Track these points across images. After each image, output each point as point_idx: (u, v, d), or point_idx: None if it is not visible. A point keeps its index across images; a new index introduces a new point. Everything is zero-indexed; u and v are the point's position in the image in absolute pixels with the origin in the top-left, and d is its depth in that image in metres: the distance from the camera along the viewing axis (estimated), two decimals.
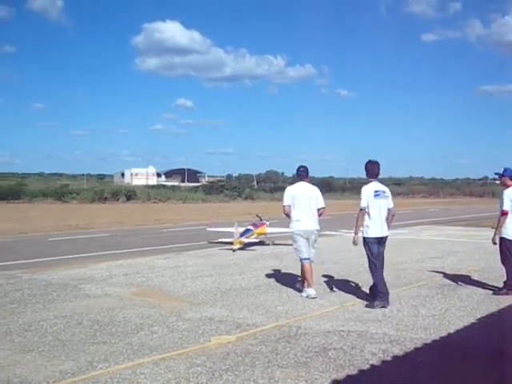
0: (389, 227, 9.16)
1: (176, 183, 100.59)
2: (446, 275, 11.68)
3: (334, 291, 9.91)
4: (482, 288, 10.23)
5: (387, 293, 8.90)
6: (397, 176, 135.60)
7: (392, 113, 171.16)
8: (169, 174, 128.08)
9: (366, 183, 9.29)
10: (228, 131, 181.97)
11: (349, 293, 9.82)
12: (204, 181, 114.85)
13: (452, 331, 7.32)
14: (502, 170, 10.06)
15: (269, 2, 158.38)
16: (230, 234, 17.36)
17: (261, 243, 18.01)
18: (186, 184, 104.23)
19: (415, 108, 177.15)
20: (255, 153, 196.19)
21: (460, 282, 10.80)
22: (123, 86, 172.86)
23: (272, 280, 11.14)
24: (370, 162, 9.31)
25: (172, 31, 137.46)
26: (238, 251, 15.90)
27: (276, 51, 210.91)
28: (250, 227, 18.25)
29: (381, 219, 8.97)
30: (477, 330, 7.44)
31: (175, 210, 42.19)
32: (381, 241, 9.03)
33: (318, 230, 9.75)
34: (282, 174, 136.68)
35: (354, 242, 9.10)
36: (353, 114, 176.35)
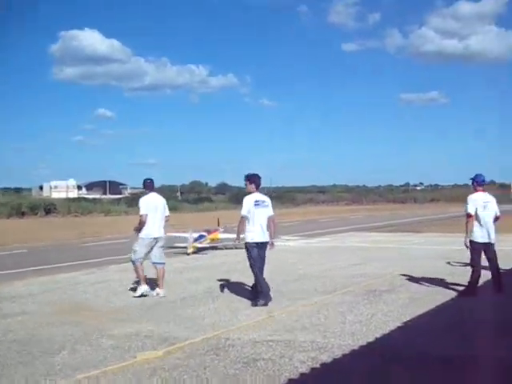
0: (273, 234, 10.10)
1: (97, 196, 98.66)
2: (371, 281, 11.81)
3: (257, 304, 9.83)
4: (407, 292, 10.38)
5: (268, 290, 9.69)
6: (321, 184, 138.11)
7: (315, 122, 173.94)
8: (90, 187, 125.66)
9: (260, 193, 10.10)
10: (150, 141, 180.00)
11: (276, 302, 9.75)
12: (127, 193, 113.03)
13: (379, 336, 7.36)
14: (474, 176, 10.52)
15: (190, 11, 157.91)
16: (186, 239, 18.70)
17: (213, 247, 19.31)
18: (108, 196, 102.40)
19: (338, 116, 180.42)
20: (178, 163, 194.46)
21: (385, 288, 10.93)
22: (40, 96, 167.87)
23: (199, 292, 10.98)
24: (253, 174, 10.14)
25: (90, 39, 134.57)
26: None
27: (198, 60, 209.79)
28: (204, 233, 19.67)
29: (261, 226, 9.72)
30: (403, 334, 7.52)
31: (97, 223, 41.30)
32: (261, 246, 9.80)
33: (163, 237, 10.80)
34: (207, 184, 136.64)
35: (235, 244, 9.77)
36: (276, 123, 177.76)
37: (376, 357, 6.55)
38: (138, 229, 10.53)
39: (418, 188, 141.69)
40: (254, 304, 9.45)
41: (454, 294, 10.23)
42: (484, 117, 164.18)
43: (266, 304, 9.42)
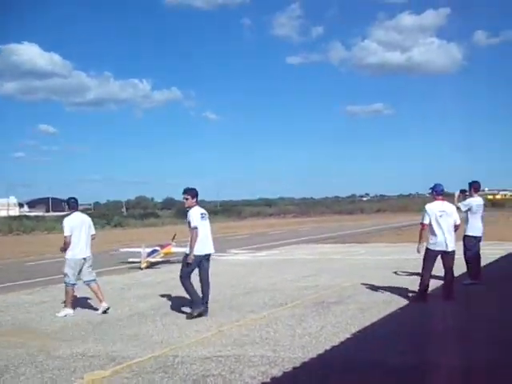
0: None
1: (40, 213, 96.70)
2: (320, 293, 11.83)
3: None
4: (356, 303, 10.42)
5: (200, 302, 9.89)
6: (267, 197, 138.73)
7: (261, 135, 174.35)
8: (32, 204, 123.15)
9: (196, 206, 10.07)
10: (94, 157, 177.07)
11: (225, 317, 9.68)
12: None
13: (328, 348, 7.35)
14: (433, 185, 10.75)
15: (131, 24, 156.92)
16: (139, 254, 19.02)
17: (167, 261, 19.46)
18: (52, 213, 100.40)
19: (284, 129, 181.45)
20: (123, 179, 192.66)
21: (334, 299, 10.96)
22: None
23: (146, 309, 10.79)
24: (192, 189, 10.24)
25: (30, 54, 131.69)
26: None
27: (141, 75, 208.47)
28: (157, 247, 19.87)
29: (207, 237, 9.97)
30: (352, 345, 7.53)
31: (40, 241, 40.38)
32: (207, 257, 10.08)
33: (91, 256, 10.91)
34: (152, 199, 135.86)
35: (190, 259, 9.72)
36: (222, 137, 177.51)
37: (327, 369, 6.54)
38: (64, 249, 10.52)
39: (365, 199, 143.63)
40: (190, 316, 9.69)
41: (402, 303, 10.31)
42: (428, 127, 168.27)
43: (201, 314, 9.69)
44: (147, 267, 18.46)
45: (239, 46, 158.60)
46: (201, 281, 10.04)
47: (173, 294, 12.22)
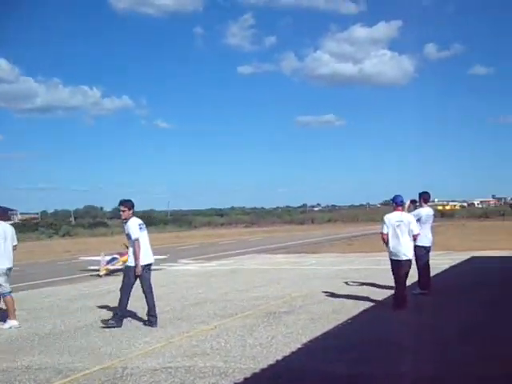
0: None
1: None
2: (270, 303, 11.82)
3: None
4: (306, 313, 10.45)
5: (125, 316, 9.98)
6: (219, 207, 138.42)
7: (212, 144, 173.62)
8: None
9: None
10: (42, 165, 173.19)
11: (175, 328, 9.59)
12: (17, 218, 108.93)
13: (280, 358, 7.33)
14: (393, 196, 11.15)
15: (82, 30, 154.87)
16: (99, 262, 19.80)
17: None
18: None
19: (235, 138, 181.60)
20: (72, 187, 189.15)
21: (285, 309, 10.97)
22: None
23: (94, 320, 10.60)
24: (128, 200, 10.26)
25: None
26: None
27: (91, 82, 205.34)
28: (116, 255, 20.21)
29: (147, 248, 10.03)
30: (303, 355, 7.53)
31: None
32: (149, 267, 10.09)
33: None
34: (102, 208, 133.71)
35: (138, 271, 9.71)
36: (173, 146, 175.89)
37: (278, 379, 6.52)
38: None
39: (316, 209, 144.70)
40: (107, 325, 9.77)
41: (353, 312, 10.35)
42: (379, 138, 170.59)
43: (118, 326, 9.68)
44: (106, 274, 18.93)
45: (191, 55, 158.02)
46: (144, 292, 9.95)
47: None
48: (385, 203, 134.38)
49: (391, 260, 10.92)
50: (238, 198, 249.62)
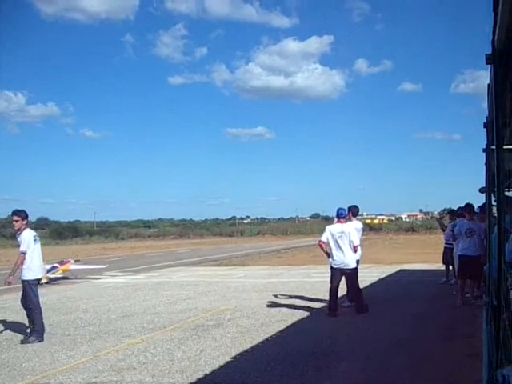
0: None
1: None
2: (199, 316, 11.72)
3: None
4: (235, 326, 10.39)
5: (44, 330, 9.67)
6: (147, 218, 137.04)
7: (139, 155, 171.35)
8: None
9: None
10: None
11: (102, 341, 9.36)
12: None
13: (208, 372, 7.27)
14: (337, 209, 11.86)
15: (7, 35, 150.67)
16: None
17: (64, 278, 20.97)
18: None
19: (164, 149, 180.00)
20: None
21: (213, 322, 10.89)
22: None
23: (14, 335, 10.23)
24: (23, 210, 9.91)
25: None
26: None
27: (16, 87, 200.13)
28: (56, 264, 21.41)
29: (41, 262, 9.98)
30: (232, 368, 7.47)
31: None
32: (39, 282, 10.03)
33: None
34: None
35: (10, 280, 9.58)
36: (100, 156, 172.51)
37: None
38: None
39: (245, 221, 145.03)
40: (27, 342, 9.39)
41: (281, 325, 10.37)
42: (308, 152, 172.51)
43: (40, 341, 9.41)
44: (47, 283, 19.00)
45: (121, 64, 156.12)
46: (25, 306, 9.83)
47: (44, 319, 11.71)
48: (314, 216, 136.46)
49: (333, 269, 11.49)
50: (167, 209, 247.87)
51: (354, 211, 12.65)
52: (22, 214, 9.77)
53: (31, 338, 9.45)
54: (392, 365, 7.50)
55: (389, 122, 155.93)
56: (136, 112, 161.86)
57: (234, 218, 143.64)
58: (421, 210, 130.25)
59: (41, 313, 9.73)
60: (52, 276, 20.32)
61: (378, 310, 12.02)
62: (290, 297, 14.06)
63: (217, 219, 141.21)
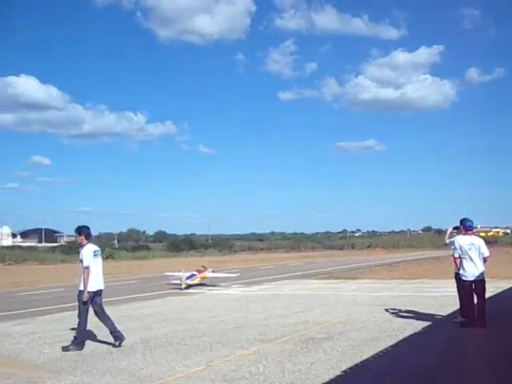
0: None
1: (33, 244, 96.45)
2: (310, 329, 11.80)
3: None
4: (346, 340, 10.40)
5: (85, 339, 10.30)
6: (259, 232, 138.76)
7: (252, 169, 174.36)
8: (25, 235, 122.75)
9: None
10: (87, 189, 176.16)
11: (215, 351, 9.65)
12: (62, 241, 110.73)
13: None
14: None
15: (129, 59, 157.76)
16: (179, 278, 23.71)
17: (202, 284, 24.17)
18: (44, 244, 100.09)
19: (275, 164, 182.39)
20: (115, 211, 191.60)
21: (324, 335, 10.94)
22: None
23: (135, 342, 10.73)
24: (83, 226, 10.66)
25: (27, 86, 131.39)
26: None
27: (136, 108, 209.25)
28: (195, 272, 24.92)
29: (99, 274, 10.35)
30: (342, 382, 7.49)
31: (32, 272, 40.21)
32: (99, 293, 10.33)
33: None
34: (144, 232, 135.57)
35: (85, 297, 10.01)
36: (214, 171, 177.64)
37: None
38: None
39: (356, 234, 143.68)
40: (67, 349, 9.95)
41: (393, 340, 10.26)
42: (419, 164, 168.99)
43: (79, 350, 9.95)
44: (186, 288, 22.83)
45: (233, 81, 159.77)
46: (98, 316, 10.38)
47: (162, 328, 12.21)
48: (426, 229, 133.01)
49: (463, 281, 11.51)
50: (278, 223, 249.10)
51: (465, 225, 12.36)
52: (82, 231, 10.51)
53: (70, 347, 10.04)
54: None
55: (502, 131, 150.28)
56: (248, 128, 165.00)
57: (344, 231, 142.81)
58: None
59: (83, 323, 10.18)
60: (191, 282, 23.71)
61: (494, 326, 11.65)
62: (401, 311, 13.89)
63: (328, 232, 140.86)
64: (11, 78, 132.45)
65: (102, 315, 10.32)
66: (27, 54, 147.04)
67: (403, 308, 14.41)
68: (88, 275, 10.01)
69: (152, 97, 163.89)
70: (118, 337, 10.27)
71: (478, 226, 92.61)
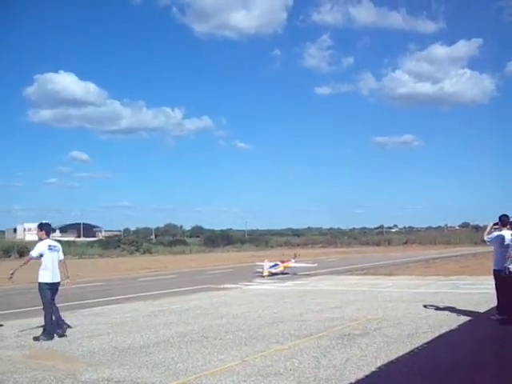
0: (67, 274, 11.84)
1: (72, 238, 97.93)
2: (345, 325, 11.76)
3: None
4: (381, 336, 10.36)
5: (54, 331, 11.00)
6: (296, 227, 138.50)
7: (290, 164, 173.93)
8: (64, 229, 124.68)
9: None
10: (125, 184, 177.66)
11: (250, 346, 9.69)
12: (101, 235, 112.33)
13: (353, 381, 7.30)
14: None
15: (165, 54, 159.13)
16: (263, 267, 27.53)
17: (284, 273, 27.63)
18: (83, 239, 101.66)
19: (312, 159, 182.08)
20: (153, 206, 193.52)
21: (359, 331, 10.91)
22: (15, 139, 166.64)
23: (171, 336, 10.85)
24: (45, 223, 11.82)
25: (66, 82, 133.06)
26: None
27: (173, 103, 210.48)
28: (279, 262, 28.40)
29: (53, 268, 11.20)
30: (377, 379, 7.47)
31: (70, 266, 40.72)
32: (54, 286, 11.23)
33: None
34: (181, 226, 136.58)
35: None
36: (250, 166, 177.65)
37: None
38: None
39: (393, 230, 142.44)
40: (37, 339, 10.66)
41: (429, 336, 10.18)
42: (457, 160, 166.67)
43: (49, 340, 10.65)
44: (268, 276, 26.24)
45: (269, 76, 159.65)
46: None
47: (198, 322, 12.31)
48: (463, 225, 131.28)
49: (498, 272, 11.48)
50: (315, 218, 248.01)
51: (504, 221, 12.20)
52: (40, 226, 11.62)
53: (41, 337, 10.77)
54: None
55: None
56: (284, 123, 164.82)
57: (381, 226, 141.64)
58: None
59: (50, 313, 11.04)
60: (274, 271, 27.01)
61: None
62: (438, 308, 13.75)
63: (364, 228, 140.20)
64: (50, 75, 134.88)
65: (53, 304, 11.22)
66: (66, 51, 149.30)
67: (439, 305, 14.27)
68: (26, 262, 11.36)
69: (189, 92, 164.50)
70: (51, 331, 10.91)
71: None
